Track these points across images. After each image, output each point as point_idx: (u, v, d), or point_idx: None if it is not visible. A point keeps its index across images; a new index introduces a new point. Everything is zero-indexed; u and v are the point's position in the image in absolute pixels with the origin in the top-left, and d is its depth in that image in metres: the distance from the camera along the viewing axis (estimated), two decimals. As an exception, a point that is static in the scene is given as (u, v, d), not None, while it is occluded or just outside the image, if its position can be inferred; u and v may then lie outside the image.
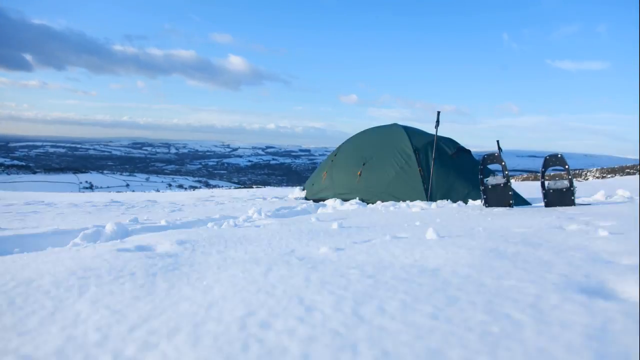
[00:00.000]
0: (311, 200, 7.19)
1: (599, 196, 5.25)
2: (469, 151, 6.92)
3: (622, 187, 5.97)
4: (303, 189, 8.30)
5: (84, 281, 1.39)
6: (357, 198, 6.38)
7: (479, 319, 0.99)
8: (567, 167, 4.22)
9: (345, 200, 6.37)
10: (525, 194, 6.31)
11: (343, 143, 8.09)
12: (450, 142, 7.08)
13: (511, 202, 4.37)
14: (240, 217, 4.09)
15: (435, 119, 6.40)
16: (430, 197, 5.98)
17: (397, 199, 6.03)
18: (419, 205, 5.04)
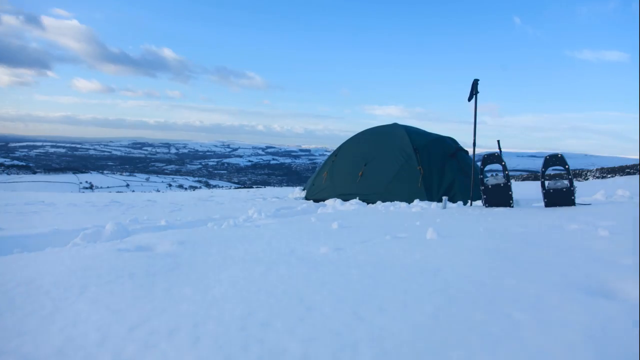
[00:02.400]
0: (311, 200, 7.19)
1: (599, 196, 5.25)
2: (466, 151, 6.93)
3: (622, 186, 5.98)
4: (303, 189, 8.29)
5: (84, 281, 1.39)
6: (357, 198, 6.38)
7: (479, 318, 0.99)
8: (567, 166, 4.22)
9: (346, 200, 6.38)
10: (525, 194, 6.31)
11: (344, 143, 8.09)
12: (450, 141, 7.07)
13: (511, 202, 4.37)
14: (241, 217, 4.09)
15: (470, 89, 4.88)
16: (430, 197, 5.99)
17: (398, 199, 6.03)
18: (419, 205, 5.04)
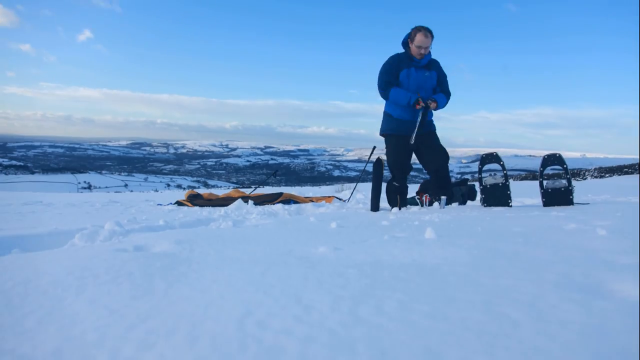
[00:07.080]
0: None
1: (597, 195, 5.26)
2: None
3: (622, 186, 5.99)
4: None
5: (81, 281, 1.39)
6: None
7: (476, 318, 0.99)
8: (565, 166, 4.23)
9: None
10: (523, 194, 6.32)
11: None
12: None
13: (509, 201, 4.38)
14: (239, 218, 4.09)
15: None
16: None
17: None
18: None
